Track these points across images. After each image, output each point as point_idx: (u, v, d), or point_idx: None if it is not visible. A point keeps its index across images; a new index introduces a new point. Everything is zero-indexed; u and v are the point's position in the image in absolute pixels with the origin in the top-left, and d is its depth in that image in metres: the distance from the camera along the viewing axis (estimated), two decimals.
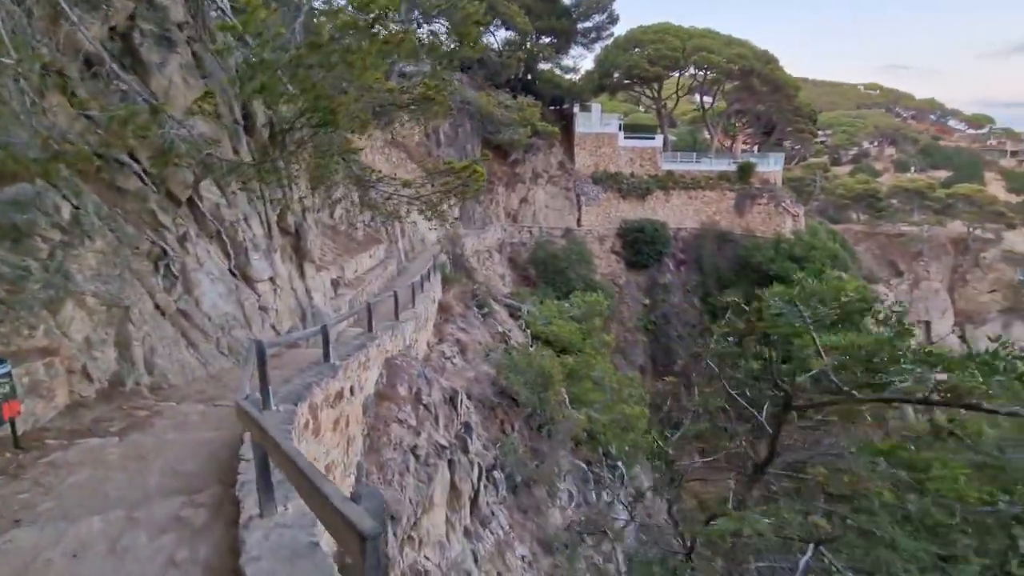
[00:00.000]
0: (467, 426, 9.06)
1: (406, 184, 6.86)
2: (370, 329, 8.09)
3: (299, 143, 6.01)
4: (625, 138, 37.95)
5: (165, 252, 6.80)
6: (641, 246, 35.76)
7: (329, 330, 6.09)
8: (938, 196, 62.72)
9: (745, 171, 37.82)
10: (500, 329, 17.35)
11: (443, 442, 7.83)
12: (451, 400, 8.97)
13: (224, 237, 7.62)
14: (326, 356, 6.11)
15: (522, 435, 14.29)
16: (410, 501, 7.06)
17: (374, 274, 15.97)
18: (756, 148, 47.26)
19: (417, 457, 7.33)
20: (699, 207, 38.20)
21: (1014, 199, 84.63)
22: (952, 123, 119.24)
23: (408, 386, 8.11)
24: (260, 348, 4.44)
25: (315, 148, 6.32)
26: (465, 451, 8.65)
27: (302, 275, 9.46)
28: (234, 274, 7.80)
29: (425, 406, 8.02)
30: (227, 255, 7.70)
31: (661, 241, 36.06)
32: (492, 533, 9.49)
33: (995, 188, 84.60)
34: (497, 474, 10.26)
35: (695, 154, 40.25)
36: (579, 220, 36.45)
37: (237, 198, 7.84)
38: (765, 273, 32.96)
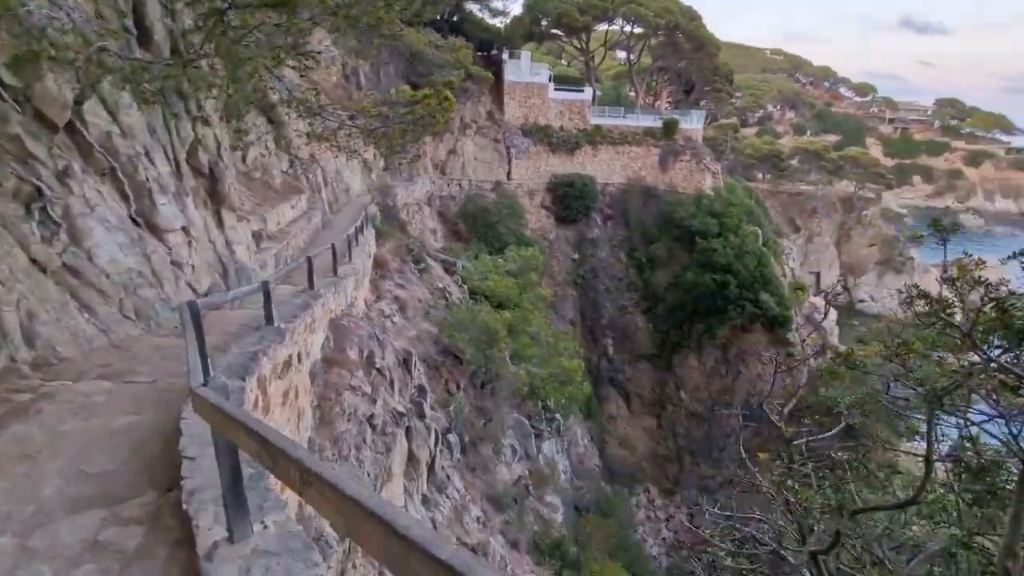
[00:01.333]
0: (421, 389, 8.36)
1: (363, 112, 5.70)
2: (311, 286, 7.02)
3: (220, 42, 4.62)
4: (555, 89, 37.06)
5: (40, 192, 5.30)
6: (570, 201, 35.67)
7: (271, 288, 5.04)
8: (831, 158, 67.97)
9: (670, 127, 38.45)
10: (439, 285, 16.49)
11: (400, 408, 7.09)
12: (404, 363, 8.19)
13: (120, 175, 6.12)
14: (269, 319, 5.09)
15: (467, 394, 13.81)
16: (368, 475, 6.33)
17: (298, 226, 14.37)
18: (675, 106, 48.22)
19: (374, 427, 6.56)
20: (626, 162, 38.55)
21: (890, 162, 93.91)
22: (842, 90, 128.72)
23: (359, 349, 7.21)
24: (194, 310, 3.42)
25: (237, 60, 4.99)
26: (421, 416, 7.98)
27: (220, 225, 8.03)
28: (136, 222, 6.35)
29: (379, 370, 7.19)
30: (125, 198, 6.22)
31: (590, 196, 36.15)
32: (448, 498, 9.02)
33: (875, 152, 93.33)
34: (452, 437, 9.71)
35: (622, 109, 40.28)
36: (509, 173, 35.56)
37: (134, 127, 6.30)
38: (687, 228, 34.25)
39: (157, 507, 2.77)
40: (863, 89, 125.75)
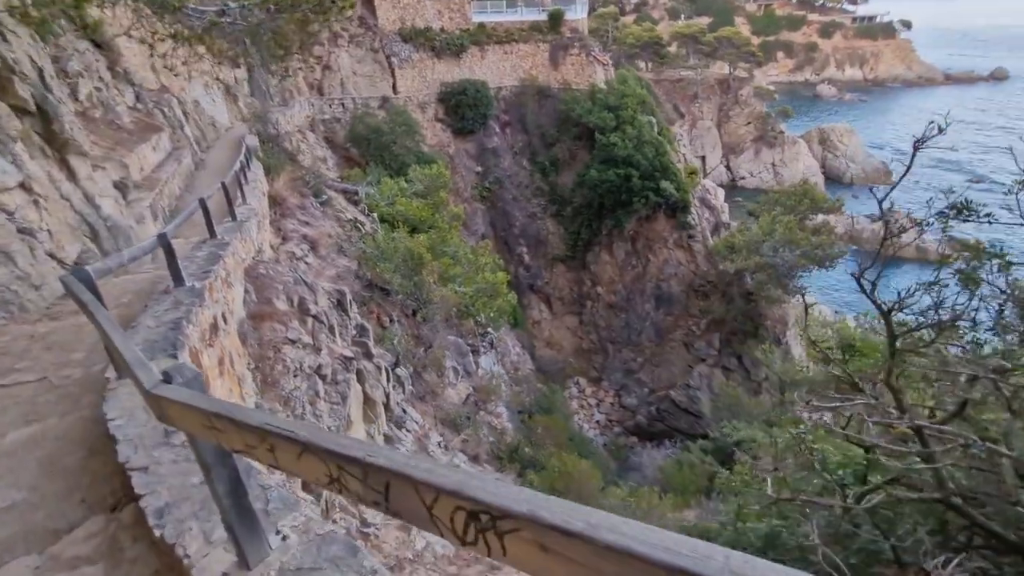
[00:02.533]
0: (362, 329, 7.73)
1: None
2: (212, 235, 5.94)
3: None
4: None
5: None
6: (465, 110, 33.90)
7: (171, 240, 4.08)
8: (708, 40, 69.61)
9: (555, 19, 36.85)
10: (348, 217, 15.20)
11: (347, 353, 6.50)
12: (339, 304, 7.44)
13: None
14: (177, 278, 4.17)
15: (401, 324, 13.29)
16: (329, 430, 5.83)
17: (167, 171, 12.26)
18: None
19: (323, 378, 5.97)
20: (516, 62, 36.85)
21: (757, 40, 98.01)
22: None
23: (287, 297, 6.37)
24: (86, 280, 2.56)
25: None
26: (369, 356, 7.44)
27: (72, 177, 6.43)
28: None
29: (315, 317, 6.46)
30: None
31: (484, 103, 34.51)
32: (409, 431, 8.79)
33: (744, 31, 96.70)
34: (401, 371, 9.30)
35: (503, 3, 37.79)
36: (394, 86, 32.79)
37: None
38: (585, 126, 34.08)
39: (110, 536, 2.14)
40: None
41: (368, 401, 7.07)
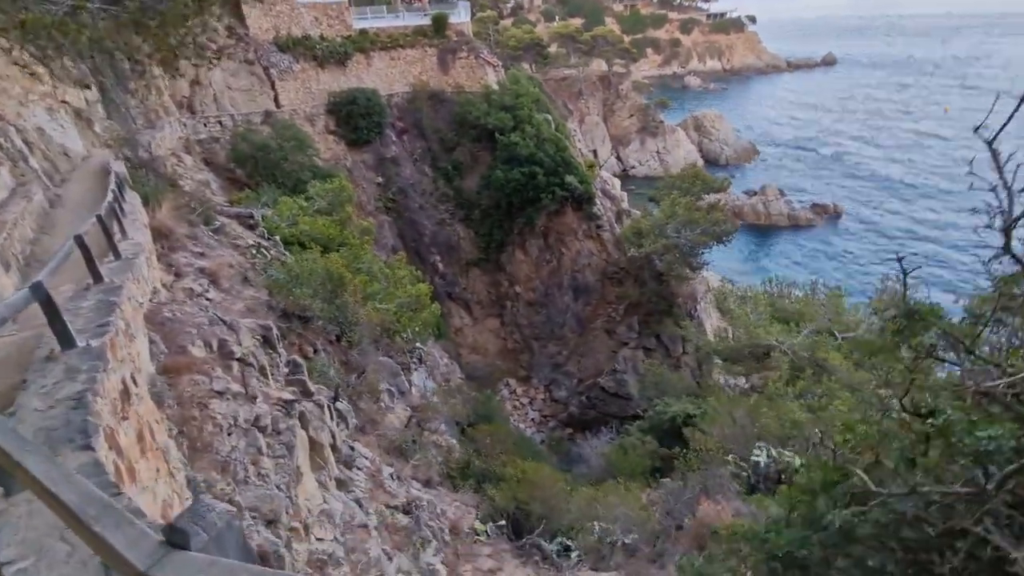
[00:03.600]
0: (295, 364, 6.80)
1: None
2: (97, 278, 4.81)
3: None
4: None
5: None
6: (358, 120, 32.43)
7: (50, 292, 3.11)
8: (585, 39, 72.72)
9: (440, 23, 36.41)
10: (248, 243, 13.69)
11: (286, 395, 5.60)
12: (266, 340, 6.47)
13: None
14: (65, 339, 3.20)
15: (327, 353, 12.18)
16: (279, 488, 4.95)
17: (12, 211, 10.23)
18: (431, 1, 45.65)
19: (263, 430, 5.08)
20: (404, 68, 35.94)
21: (627, 38, 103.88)
22: None
23: (204, 341, 5.36)
24: None
25: None
26: (308, 395, 6.54)
27: None
28: None
29: (241, 360, 5.50)
30: None
31: (377, 111, 33.24)
32: (360, 469, 7.92)
33: (615, 30, 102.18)
34: (341, 405, 8.38)
35: (384, 8, 36.71)
36: (277, 100, 30.56)
37: None
38: (484, 128, 33.96)
39: None
40: None
41: (315, 446, 6.19)
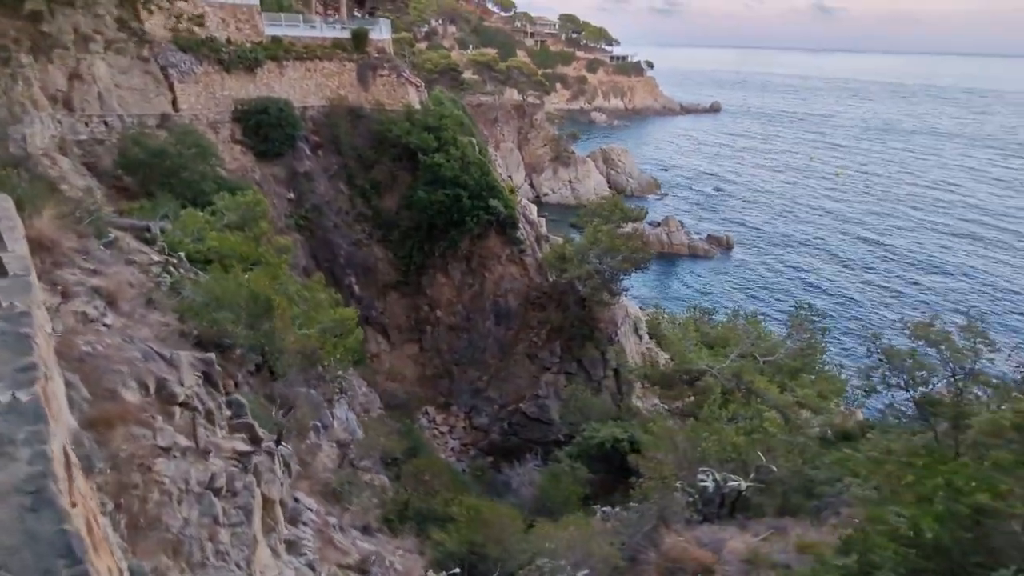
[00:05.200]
0: (238, 404, 5.71)
1: None
2: None
3: None
4: None
5: None
6: (268, 131, 30.23)
7: None
8: (501, 69, 74.51)
9: (360, 38, 35.31)
10: (152, 259, 11.85)
11: (241, 445, 4.61)
12: (207, 377, 5.36)
13: None
14: None
15: (250, 386, 10.74)
16: (238, 567, 3.97)
17: None
18: (350, 17, 44.42)
19: (218, 492, 4.08)
20: (320, 81, 34.27)
21: (539, 71, 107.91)
22: (489, 5, 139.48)
23: (138, 382, 4.24)
24: None
25: None
26: (256, 441, 5.49)
27: None
28: None
29: (185, 404, 4.43)
30: None
31: (290, 123, 31.24)
32: (307, 525, 6.81)
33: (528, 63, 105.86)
34: (284, 449, 7.24)
35: (301, 17, 35.00)
36: (175, 103, 27.65)
37: None
38: (406, 147, 33.13)
39: None
40: (505, 4, 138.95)
41: (266, 504, 5.14)
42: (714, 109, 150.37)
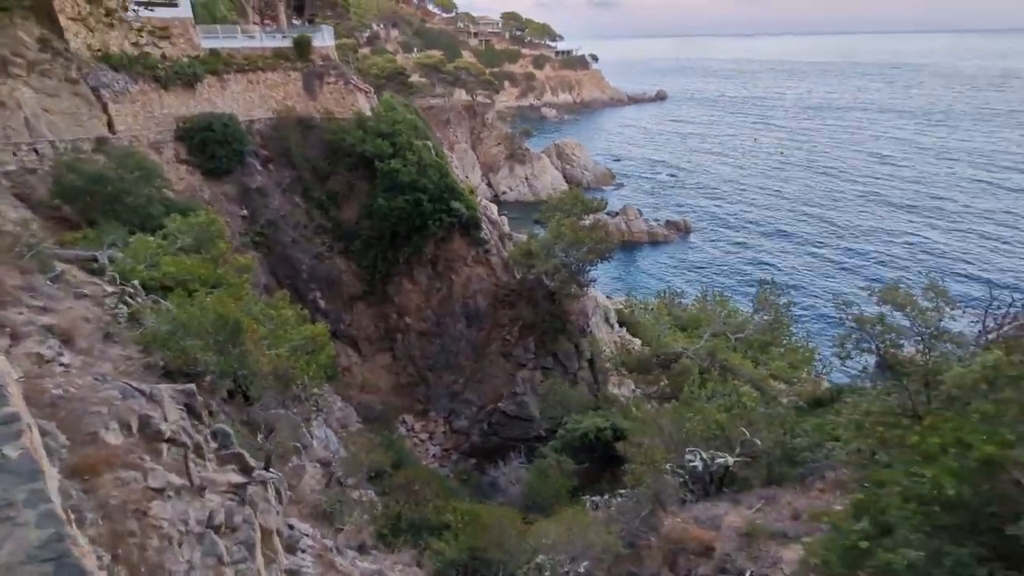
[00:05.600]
0: (223, 435, 5.45)
1: None
2: None
3: None
4: (137, 3, 27.98)
5: None
6: (215, 148, 29.11)
7: None
8: (448, 70, 74.00)
9: (302, 46, 34.40)
10: (104, 290, 11.19)
11: (235, 477, 4.39)
12: (190, 409, 5.07)
13: None
14: None
15: (225, 413, 10.30)
16: None
17: None
18: (290, 24, 43.23)
19: (218, 529, 3.87)
20: (265, 93, 33.21)
21: (487, 71, 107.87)
22: (430, 7, 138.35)
23: (120, 422, 3.96)
24: None
25: None
26: (247, 470, 5.25)
27: None
28: None
29: (172, 440, 4.18)
30: None
31: (237, 138, 30.15)
32: (304, 551, 6.56)
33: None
34: (273, 475, 6.95)
35: (238, 28, 33.81)
36: (111, 125, 26.25)
37: None
38: (360, 155, 32.51)
39: None
40: (446, 5, 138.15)
41: (264, 535, 4.91)
42: (660, 97, 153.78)
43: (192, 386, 5.93)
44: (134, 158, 23.66)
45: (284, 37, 34.67)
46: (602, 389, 30.16)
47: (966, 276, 45.72)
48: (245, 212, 30.68)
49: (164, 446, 4.21)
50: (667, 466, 11.32)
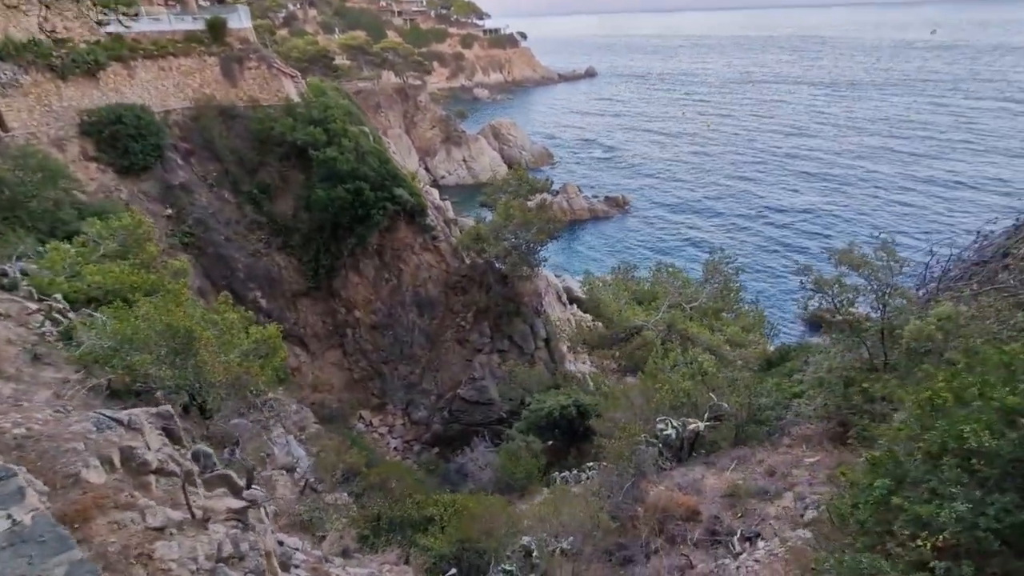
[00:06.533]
0: (204, 455, 5.00)
1: None
2: None
3: None
4: None
5: None
6: (128, 143, 26.69)
7: None
8: (376, 52, 71.19)
9: (216, 28, 31.92)
10: (25, 308, 10.01)
11: (233, 503, 4.03)
12: (169, 433, 4.59)
13: None
14: None
15: (185, 430, 9.55)
16: None
17: None
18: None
19: (229, 561, 3.55)
20: (179, 80, 30.70)
21: (415, 51, 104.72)
22: None
23: (101, 457, 3.48)
24: None
25: None
26: (237, 492, 4.86)
27: None
28: None
29: (160, 470, 3.75)
30: None
31: (152, 131, 27.79)
32: (299, 566, 6.19)
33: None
34: (259, 493, 6.51)
35: (140, 9, 30.89)
36: (2, 122, 23.47)
37: None
38: (292, 144, 30.83)
39: None
40: None
41: (268, 555, 4.56)
42: (589, 74, 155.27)
43: (168, 407, 5.38)
44: (34, 158, 21.28)
45: (195, 19, 32.05)
46: (559, 367, 30.58)
47: (874, 239, 49.56)
48: (169, 211, 28.46)
49: (152, 478, 3.76)
50: (641, 436, 11.61)
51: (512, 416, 28.88)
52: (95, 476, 3.29)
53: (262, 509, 5.21)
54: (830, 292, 8.80)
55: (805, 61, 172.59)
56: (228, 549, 3.58)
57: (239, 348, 15.63)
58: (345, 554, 9.79)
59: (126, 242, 16.16)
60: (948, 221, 52.46)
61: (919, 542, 3.45)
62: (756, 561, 6.03)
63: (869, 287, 8.46)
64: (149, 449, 3.94)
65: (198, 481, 4.41)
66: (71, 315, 10.29)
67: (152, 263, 16.55)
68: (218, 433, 10.02)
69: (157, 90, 29.61)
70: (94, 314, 10.39)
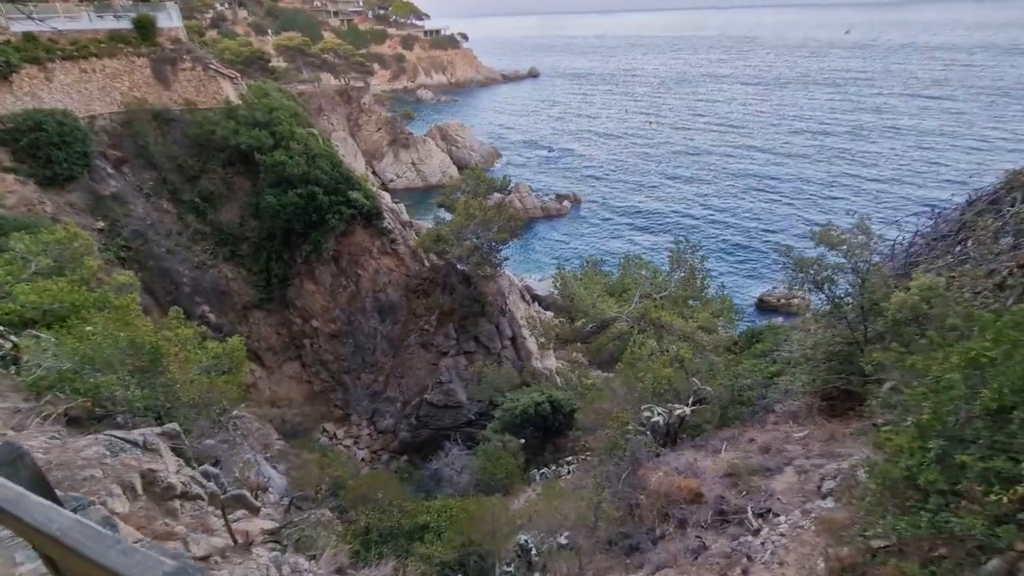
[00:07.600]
0: (215, 476, 4.54)
1: None
2: None
3: None
4: None
5: None
6: (50, 151, 24.57)
7: None
8: (314, 53, 68.93)
9: (144, 27, 29.92)
10: None
11: (268, 524, 3.65)
12: (177, 452, 4.11)
13: None
14: None
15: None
16: None
17: None
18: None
19: None
20: (105, 83, 28.57)
21: (356, 53, 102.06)
22: None
23: (122, 483, 3.03)
24: None
25: None
26: (254, 512, 4.44)
27: None
28: None
29: (184, 494, 3.32)
30: None
31: (77, 138, 25.69)
32: None
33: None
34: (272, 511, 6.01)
35: (57, 5, 28.53)
36: None
37: None
38: (235, 149, 29.34)
39: None
40: None
41: None
42: (532, 75, 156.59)
43: (175, 426, 4.85)
44: None
45: (119, 17, 29.89)
46: (527, 365, 30.57)
47: (814, 222, 52.37)
48: (101, 224, 26.37)
49: (177, 503, 3.32)
50: (631, 425, 11.67)
51: (482, 418, 28.61)
52: (119, 505, 2.83)
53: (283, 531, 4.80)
54: (810, 272, 9.19)
55: (736, 59, 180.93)
56: (275, 573, 3.21)
57: (199, 365, 14.68)
58: (340, 571, 9.31)
59: (61, 257, 14.78)
60: (890, 205, 56.25)
61: (992, 496, 3.58)
62: (781, 535, 6.13)
63: (848, 264, 8.92)
64: (166, 468, 3.49)
65: (208, 495, 3.98)
66: (13, 339, 9.26)
67: (93, 279, 15.22)
68: (195, 455, 9.27)
69: (80, 94, 27.44)
70: (39, 335, 9.39)
